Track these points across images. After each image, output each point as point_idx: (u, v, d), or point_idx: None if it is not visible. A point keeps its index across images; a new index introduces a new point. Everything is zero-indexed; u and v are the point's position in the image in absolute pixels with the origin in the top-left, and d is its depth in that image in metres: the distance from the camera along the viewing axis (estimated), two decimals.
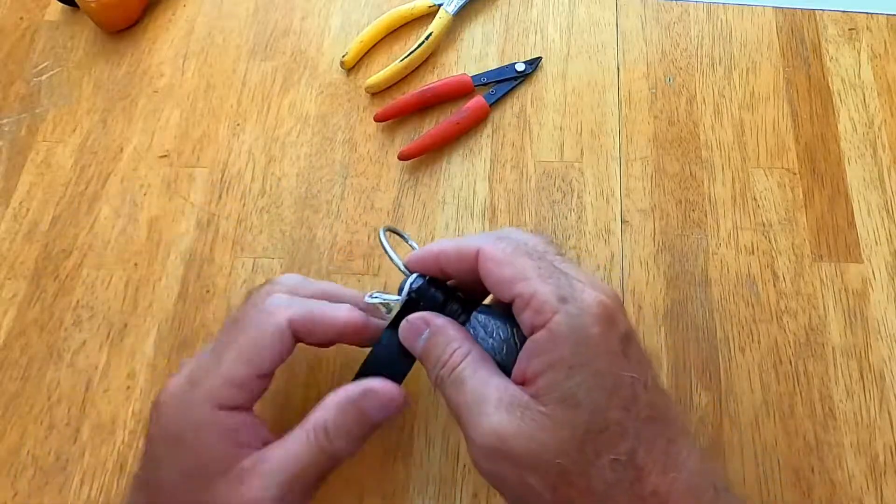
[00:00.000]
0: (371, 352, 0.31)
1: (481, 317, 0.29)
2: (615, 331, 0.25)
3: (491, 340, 0.28)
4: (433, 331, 0.28)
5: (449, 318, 0.29)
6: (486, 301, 0.31)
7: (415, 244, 0.35)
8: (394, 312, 0.31)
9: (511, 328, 0.28)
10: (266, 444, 0.29)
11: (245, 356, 0.29)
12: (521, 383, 0.26)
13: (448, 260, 0.29)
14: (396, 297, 0.31)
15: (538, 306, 0.25)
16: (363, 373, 0.31)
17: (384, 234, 0.33)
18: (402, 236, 0.36)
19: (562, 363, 0.24)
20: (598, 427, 0.24)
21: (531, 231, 0.36)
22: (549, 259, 0.27)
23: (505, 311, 0.28)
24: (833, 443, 0.37)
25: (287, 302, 0.31)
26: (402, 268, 0.31)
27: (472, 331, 0.29)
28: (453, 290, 0.31)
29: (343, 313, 0.31)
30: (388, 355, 0.31)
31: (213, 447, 0.28)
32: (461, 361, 0.27)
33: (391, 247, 0.32)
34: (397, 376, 0.31)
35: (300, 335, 0.30)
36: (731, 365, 0.39)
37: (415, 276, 0.30)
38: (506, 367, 0.27)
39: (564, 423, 0.23)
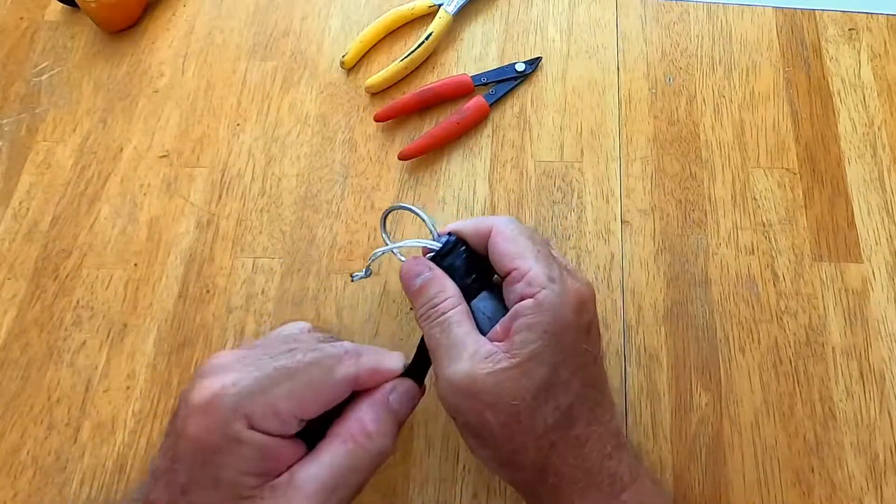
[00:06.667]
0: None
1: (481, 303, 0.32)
2: (584, 316, 0.31)
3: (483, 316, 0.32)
4: (434, 275, 0.32)
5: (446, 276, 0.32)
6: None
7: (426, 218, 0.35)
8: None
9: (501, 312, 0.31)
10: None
11: (297, 394, 0.28)
12: (498, 339, 0.30)
13: (466, 235, 0.33)
14: (432, 243, 0.33)
15: (531, 280, 0.30)
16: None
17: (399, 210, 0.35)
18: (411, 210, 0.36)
19: (538, 327, 0.29)
20: (551, 381, 0.29)
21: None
22: (546, 247, 0.32)
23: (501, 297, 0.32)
24: (833, 443, 0.37)
25: (354, 349, 0.31)
26: (433, 229, 0.34)
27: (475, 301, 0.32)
28: (475, 267, 0.33)
29: (395, 362, 0.32)
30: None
31: (249, 462, 0.27)
32: (450, 310, 0.31)
33: (422, 209, 0.34)
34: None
35: (357, 385, 0.31)
36: (731, 365, 0.39)
37: (451, 237, 0.33)
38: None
39: (528, 374, 0.29)
